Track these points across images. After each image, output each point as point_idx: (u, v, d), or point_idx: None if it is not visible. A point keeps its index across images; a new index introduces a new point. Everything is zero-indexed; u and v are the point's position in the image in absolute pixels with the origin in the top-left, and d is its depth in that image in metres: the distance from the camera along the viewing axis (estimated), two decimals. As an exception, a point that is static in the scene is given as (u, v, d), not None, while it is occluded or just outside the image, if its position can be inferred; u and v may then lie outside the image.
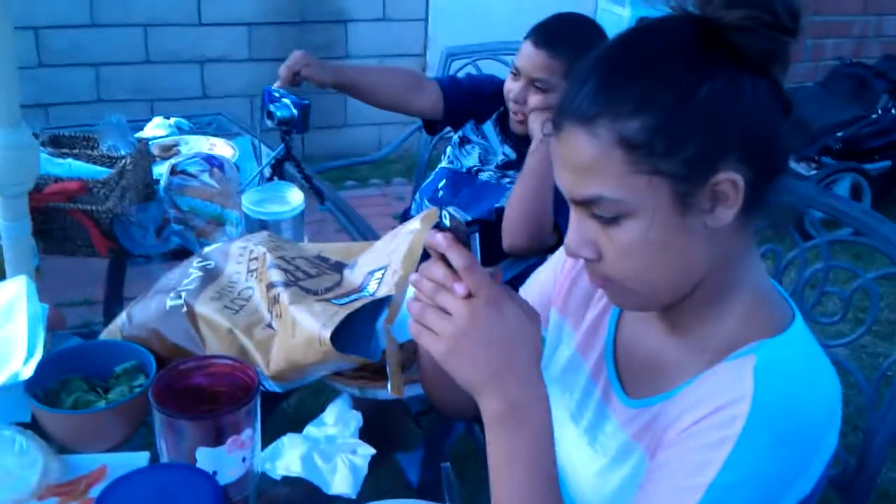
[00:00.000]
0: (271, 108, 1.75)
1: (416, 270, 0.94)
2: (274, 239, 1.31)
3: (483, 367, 0.87)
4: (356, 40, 4.29)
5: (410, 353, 1.19)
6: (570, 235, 0.91)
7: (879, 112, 3.96)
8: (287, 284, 1.17)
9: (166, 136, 2.09)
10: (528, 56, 1.90)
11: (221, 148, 2.06)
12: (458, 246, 0.89)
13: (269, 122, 1.76)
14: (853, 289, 1.44)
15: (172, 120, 2.14)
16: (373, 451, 1.12)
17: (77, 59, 3.95)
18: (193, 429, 0.94)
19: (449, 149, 2.16)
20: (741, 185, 0.83)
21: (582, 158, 0.85)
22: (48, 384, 1.17)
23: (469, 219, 0.90)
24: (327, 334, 1.04)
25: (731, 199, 0.84)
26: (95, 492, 1.10)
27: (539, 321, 0.91)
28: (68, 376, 1.19)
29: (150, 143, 1.89)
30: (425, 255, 1.01)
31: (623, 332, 1.05)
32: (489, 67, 2.45)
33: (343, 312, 1.07)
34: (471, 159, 2.10)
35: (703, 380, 0.89)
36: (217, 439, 0.95)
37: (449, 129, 2.24)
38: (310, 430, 1.17)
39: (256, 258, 1.25)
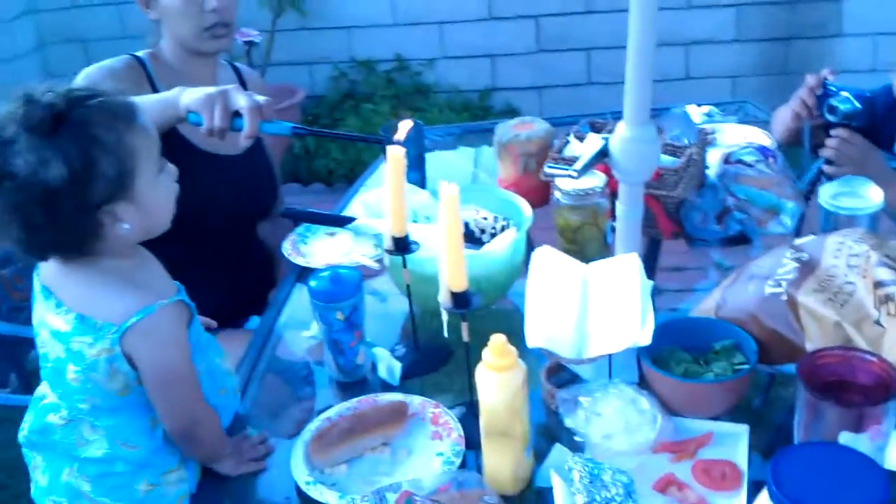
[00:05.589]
0: (832, 101, 1.74)
1: None
2: (871, 236, 1.34)
3: None
4: (851, 19, 4.06)
5: None
6: None
7: None
8: (900, 284, 1.19)
9: (701, 123, 2.19)
10: None
11: (757, 137, 2.11)
12: None
13: (830, 117, 1.76)
14: None
15: (706, 108, 2.24)
16: None
17: (570, 44, 4.27)
18: (836, 413, 1.02)
19: None
20: None
21: None
22: (654, 351, 1.32)
23: None
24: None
25: None
26: (703, 454, 1.23)
27: None
28: (670, 346, 1.34)
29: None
30: None
31: None
32: None
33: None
34: None
35: None
36: (857, 427, 1.01)
37: None
38: None
39: (857, 255, 1.28)
